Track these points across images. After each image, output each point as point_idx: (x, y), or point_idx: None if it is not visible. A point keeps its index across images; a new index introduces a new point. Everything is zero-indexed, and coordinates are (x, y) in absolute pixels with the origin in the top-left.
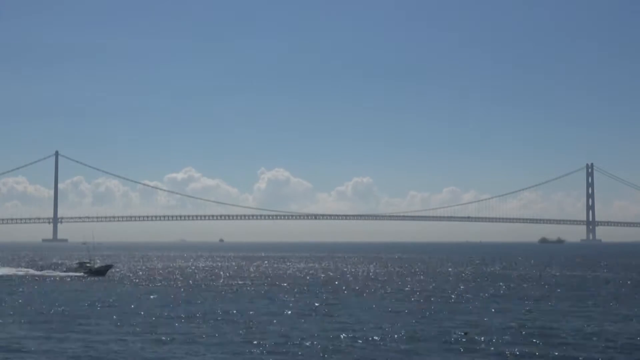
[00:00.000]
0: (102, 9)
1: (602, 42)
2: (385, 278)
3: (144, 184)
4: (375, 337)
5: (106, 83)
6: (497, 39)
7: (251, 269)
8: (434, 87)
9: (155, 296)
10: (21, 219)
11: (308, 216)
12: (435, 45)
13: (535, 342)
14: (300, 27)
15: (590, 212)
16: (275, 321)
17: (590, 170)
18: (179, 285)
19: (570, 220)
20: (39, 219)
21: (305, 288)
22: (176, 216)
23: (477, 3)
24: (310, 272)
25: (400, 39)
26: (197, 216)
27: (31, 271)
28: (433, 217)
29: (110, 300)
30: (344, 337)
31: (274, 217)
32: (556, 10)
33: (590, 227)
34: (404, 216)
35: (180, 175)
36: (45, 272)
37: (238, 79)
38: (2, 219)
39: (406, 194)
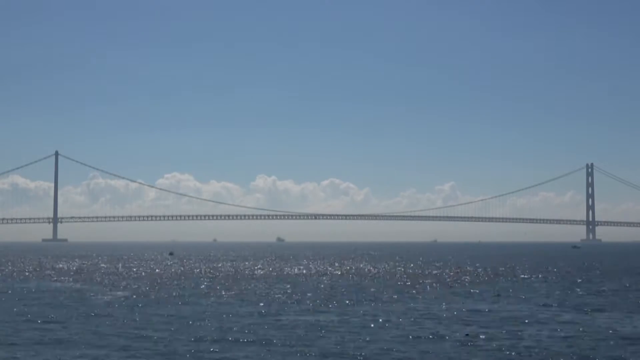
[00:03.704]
0: (103, 14)
1: (603, 41)
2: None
3: (145, 184)
4: (376, 337)
5: (106, 83)
6: (497, 39)
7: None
8: (433, 85)
9: None
10: (21, 219)
11: (308, 216)
12: (434, 45)
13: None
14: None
15: (590, 212)
16: None
17: (590, 170)
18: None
19: (570, 220)
20: (39, 218)
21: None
22: (176, 216)
23: (475, 3)
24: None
25: (400, 38)
26: (197, 216)
27: None
28: (433, 217)
29: None
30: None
31: (273, 217)
32: (556, 9)
33: (590, 227)
34: (403, 216)
35: (179, 176)
36: None
37: (236, 78)
38: (2, 219)
39: (405, 194)
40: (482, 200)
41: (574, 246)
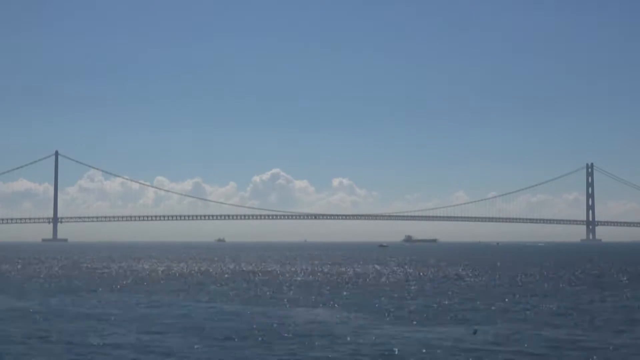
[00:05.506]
0: (107, 20)
1: (603, 41)
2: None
3: (145, 184)
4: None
5: (107, 83)
6: (496, 38)
7: None
8: (433, 85)
9: None
10: (21, 219)
11: (308, 216)
12: (434, 44)
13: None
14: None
15: (590, 212)
16: None
17: (590, 170)
18: None
19: (570, 220)
20: (39, 218)
21: None
22: (176, 216)
23: (472, 3)
24: None
25: (401, 38)
26: (198, 216)
27: None
28: (433, 217)
29: None
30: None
31: (274, 217)
32: (555, 9)
33: (590, 227)
34: (404, 216)
35: (180, 176)
36: None
37: (238, 78)
38: (2, 219)
39: (406, 194)
40: (482, 200)
41: (381, 245)
